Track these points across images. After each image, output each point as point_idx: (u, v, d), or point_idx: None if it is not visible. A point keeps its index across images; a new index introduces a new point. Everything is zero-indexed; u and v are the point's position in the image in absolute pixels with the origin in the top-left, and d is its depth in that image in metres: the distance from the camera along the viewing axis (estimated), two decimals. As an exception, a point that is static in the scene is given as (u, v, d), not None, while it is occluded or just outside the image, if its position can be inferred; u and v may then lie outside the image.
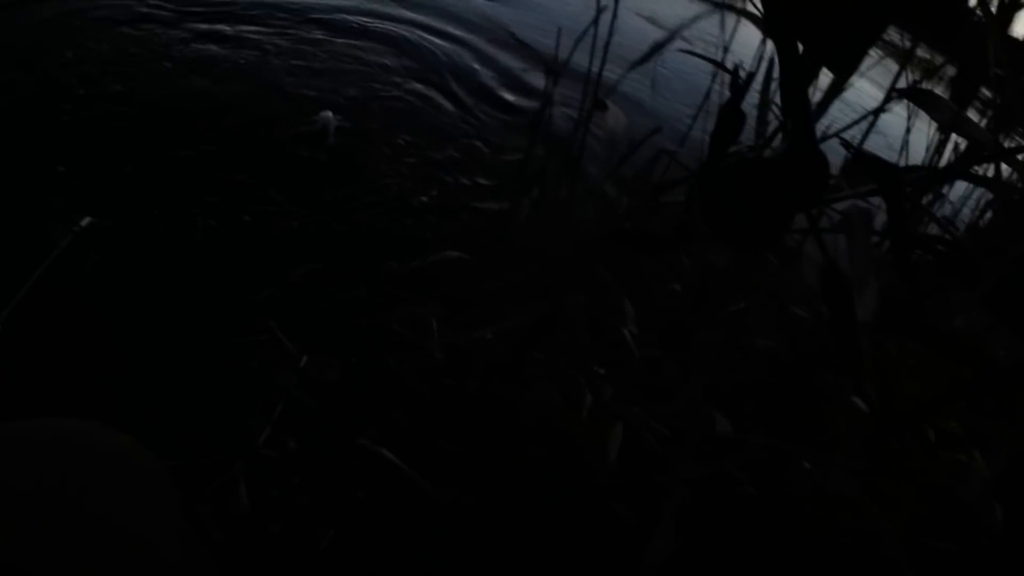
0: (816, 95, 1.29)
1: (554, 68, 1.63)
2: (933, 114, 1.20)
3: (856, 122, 1.27)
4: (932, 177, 1.16)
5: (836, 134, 1.14)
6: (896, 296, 1.14)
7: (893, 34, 1.29)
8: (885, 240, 1.22)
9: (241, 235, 1.89)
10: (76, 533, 0.44)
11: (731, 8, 1.55)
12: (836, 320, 1.04)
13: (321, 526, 1.27)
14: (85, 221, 1.70)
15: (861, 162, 0.93)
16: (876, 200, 1.14)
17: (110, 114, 2.23)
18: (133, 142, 2.11)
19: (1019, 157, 1.08)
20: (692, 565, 1.15)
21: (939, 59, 1.50)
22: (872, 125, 1.34)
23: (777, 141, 1.24)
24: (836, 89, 1.21)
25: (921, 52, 1.42)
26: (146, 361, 1.55)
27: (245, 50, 2.85)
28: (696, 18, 1.51)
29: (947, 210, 1.52)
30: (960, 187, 1.58)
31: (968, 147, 1.23)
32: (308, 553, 1.24)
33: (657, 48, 1.43)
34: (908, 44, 1.32)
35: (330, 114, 2.45)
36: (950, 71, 1.36)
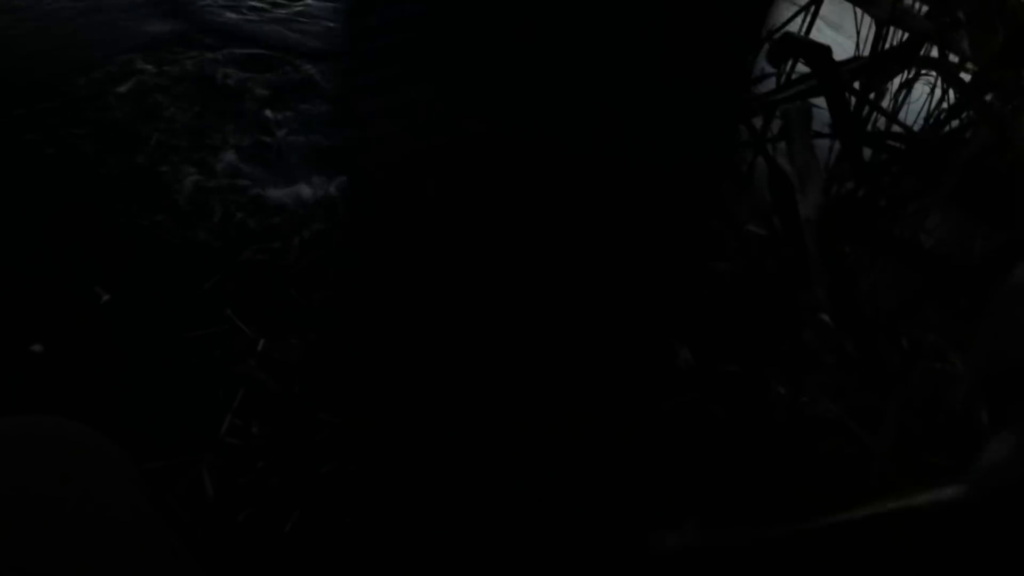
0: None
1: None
2: (870, 9, 1.15)
3: (793, 17, 1.19)
4: (875, 64, 1.10)
5: (779, 29, 1.07)
6: (851, 197, 1.09)
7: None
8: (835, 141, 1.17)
9: (168, 221, 1.79)
10: (33, 522, 0.43)
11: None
12: (785, 224, 0.99)
13: (286, 508, 1.24)
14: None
15: (789, 43, 0.88)
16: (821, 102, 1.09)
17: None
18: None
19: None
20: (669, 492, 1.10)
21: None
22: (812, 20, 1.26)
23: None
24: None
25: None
26: (106, 368, 1.51)
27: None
28: None
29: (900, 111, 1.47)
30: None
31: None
32: (274, 537, 1.20)
33: None
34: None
35: None
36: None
